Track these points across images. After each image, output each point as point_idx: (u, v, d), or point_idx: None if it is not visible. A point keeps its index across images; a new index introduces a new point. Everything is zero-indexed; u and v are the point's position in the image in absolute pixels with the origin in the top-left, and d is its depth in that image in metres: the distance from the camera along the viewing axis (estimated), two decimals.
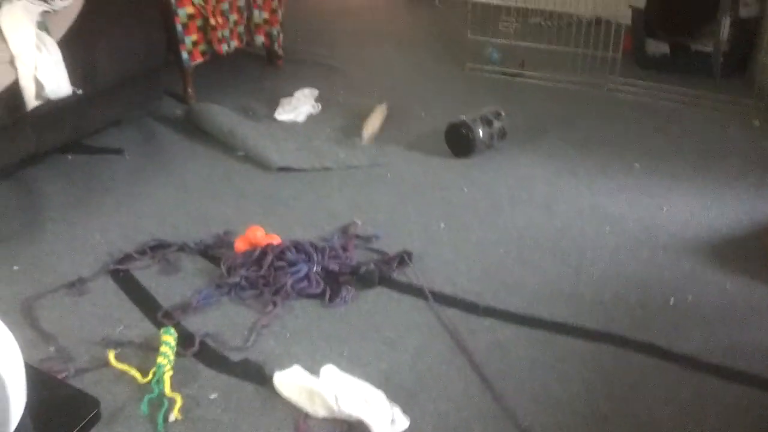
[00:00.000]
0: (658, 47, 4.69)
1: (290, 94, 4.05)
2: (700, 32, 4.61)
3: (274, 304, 2.46)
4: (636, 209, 3.12)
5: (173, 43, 3.73)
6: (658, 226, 3.00)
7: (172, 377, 2.13)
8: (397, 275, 2.64)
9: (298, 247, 2.67)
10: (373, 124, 3.72)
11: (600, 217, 3.05)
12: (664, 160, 3.53)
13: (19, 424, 1.50)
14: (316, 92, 4.10)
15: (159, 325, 2.35)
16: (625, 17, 4.48)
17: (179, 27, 3.72)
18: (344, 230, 2.89)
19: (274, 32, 4.37)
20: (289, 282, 2.52)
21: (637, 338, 2.37)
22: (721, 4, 4.20)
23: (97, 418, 1.85)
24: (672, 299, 2.56)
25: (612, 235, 2.93)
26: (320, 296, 2.52)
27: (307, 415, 2.04)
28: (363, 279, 2.59)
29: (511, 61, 4.64)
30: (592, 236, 2.92)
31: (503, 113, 3.61)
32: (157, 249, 2.74)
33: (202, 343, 2.29)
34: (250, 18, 4.18)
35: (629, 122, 3.97)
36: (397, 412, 2.04)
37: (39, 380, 1.70)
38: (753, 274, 2.70)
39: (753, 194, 3.24)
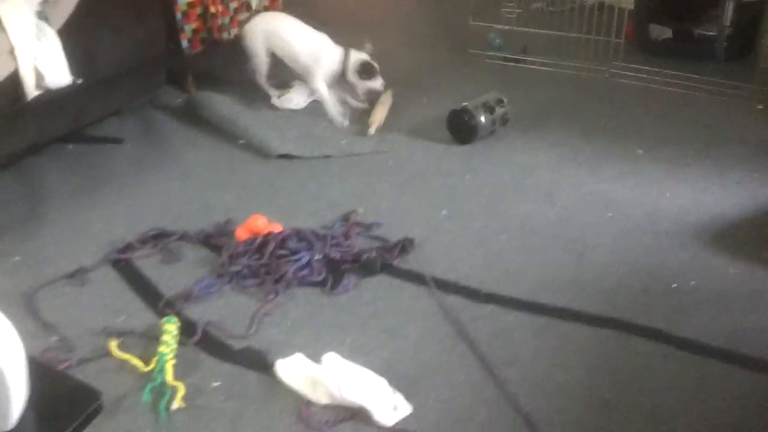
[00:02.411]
0: (660, 32, 4.66)
1: (290, 83, 4.03)
2: (703, 17, 4.58)
3: (276, 292, 2.46)
4: (638, 195, 3.10)
5: (173, 31, 3.71)
6: (661, 211, 2.99)
7: (174, 366, 2.12)
8: (398, 263, 2.64)
9: (299, 235, 2.66)
10: (379, 114, 3.70)
11: (602, 203, 3.04)
12: (666, 146, 3.51)
13: (21, 416, 1.51)
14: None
15: (161, 314, 2.35)
16: (628, 2, 4.45)
17: (179, 15, 3.71)
18: (346, 218, 2.87)
19: None
20: (291, 270, 2.51)
21: (639, 323, 2.36)
22: None
23: (98, 410, 1.85)
24: (674, 284, 2.56)
25: (614, 221, 2.92)
26: (322, 284, 2.51)
27: (309, 403, 2.04)
28: (365, 267, 2.58)
29: (513, 47, 4.61)
30: (594, 222, 2.91)
31: (505, 100, 3.60)
32: (158, 238, 2.73)
33: (204, 332, 2.29)
34: (249, 5, 4.16)
35: (632, 108, 3.96)
36: (399, 398, 2.03)
37: (41, 373, 1.70)
38: (755, 259, 2.68)
39: (755, 179, 3.22)
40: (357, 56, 3.68)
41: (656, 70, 4.24)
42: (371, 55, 3.73)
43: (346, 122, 3.63)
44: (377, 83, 3.69)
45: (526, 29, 4.64)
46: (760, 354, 2.24)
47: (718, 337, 2.31)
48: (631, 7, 4.45)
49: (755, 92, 3.96)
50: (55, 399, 1.79)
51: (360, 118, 3.72)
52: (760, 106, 3.90)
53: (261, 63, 3.82)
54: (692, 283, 2.57)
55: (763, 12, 4.31)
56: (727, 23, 4.30)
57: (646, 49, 4.63)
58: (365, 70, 3.66)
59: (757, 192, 3.11)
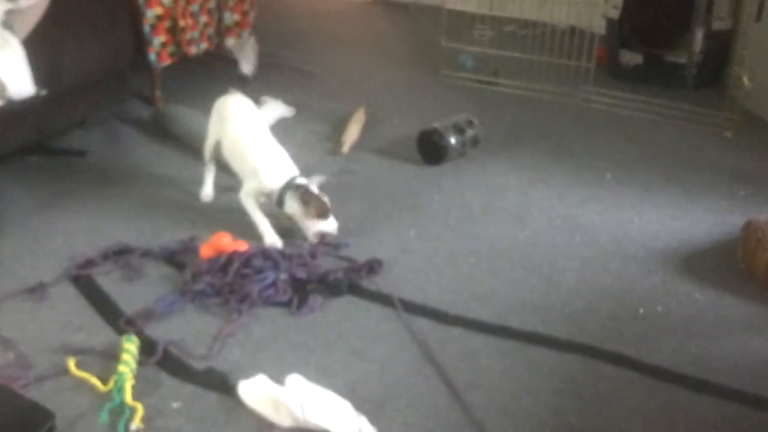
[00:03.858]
0: (631, 58, 4.71)
1: (260, 99, 4.00)
2: (673, 44, 4.64)
3: (240, 312, 2.41)
4: (607, 220, 3.11)
5: (141, 44, 3.67)
6: (629, 236, 2.99)
7: (133, 386, 2.07)
8: (366, 284, 2.61)
9: (265, 253, 2.63)
10: (353, 133, 3.68)
11: (571, 227, 3.04)
12: (636, 171, 3.53)
13: None
14: (280, 101, 4.03)
15: (121, 332, 2.29)
16: (600, 27, 4.49)
17: (147, 28, 3.67)
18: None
19: (245, 35, 4.32)
20: (256, 289, 2.47)
21: (606, 349, 2.35)
22: (694, 16, 4.23)
23: (52, 431, 1.80)
24: (641, 310, 2.55)
25: (583, 246, 2.91)
26: (287, 304, 2.47)
27: (272, 425, 2.00)
28: (331, 287, 2.55)
29: (485, 68, 4.63)
30: (563, 247, 2.91)
31: (476, 121, 3.60)
32: (120, 254, 2.68)
33: (165, 351, 2.23)
34: (220, 20, 4.14)
35: (602, 132, 3.98)
36: (363, 422, 2.00)
37: None
38: (723, 286, 2.70)
39: (723, 206, 3.24)
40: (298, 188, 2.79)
41: (626, 95, 4.27)
42: (321, 188, 2.85)
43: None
44: (329, 225, 2.79)
45: (498, 52, 4.66)
46: (727, 381, 2.24)
47: (685, 363, 2.30)
48: (602, 32, 4.50)
49: (724, 120, 3.99)
50: (7, 419, 1.74)
51: (332, 135, 3.69)
52: (729, 134, 3.94)
53: None
54: (660, 308, 2.57)
55: (732, 40, 4.36)
56: (698, 50, 4.35)
57: (616, 75, 4.68)
58: (309, 207, 2.77)
59: (725, 219, 3.13)
